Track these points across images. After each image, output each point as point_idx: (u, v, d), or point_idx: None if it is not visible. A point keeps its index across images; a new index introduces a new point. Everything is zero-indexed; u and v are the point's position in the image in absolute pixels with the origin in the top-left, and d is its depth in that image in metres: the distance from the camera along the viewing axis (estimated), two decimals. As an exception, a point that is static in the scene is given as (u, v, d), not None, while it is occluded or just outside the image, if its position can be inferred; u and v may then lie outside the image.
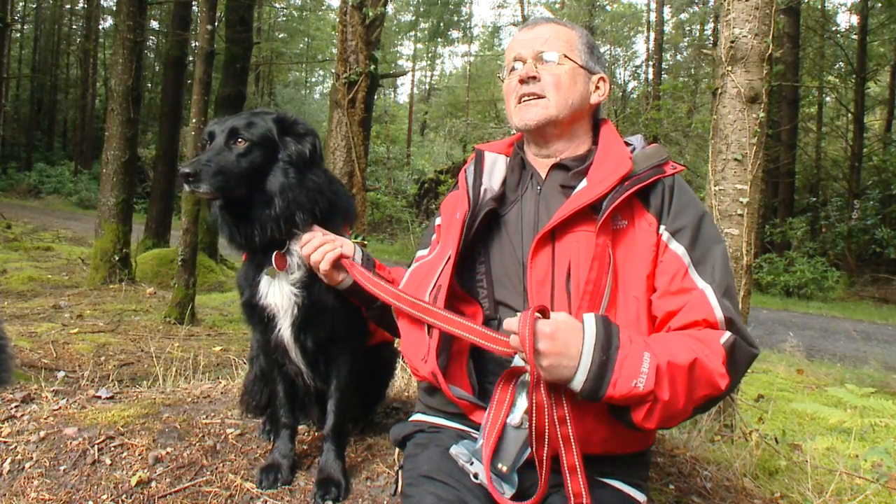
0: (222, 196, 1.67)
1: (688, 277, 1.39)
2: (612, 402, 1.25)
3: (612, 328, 1.27)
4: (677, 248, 1.42)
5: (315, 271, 1.70)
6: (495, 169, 1.65)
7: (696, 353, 1.28)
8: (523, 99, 1.56)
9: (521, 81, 1.56)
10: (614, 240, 1.43)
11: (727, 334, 1.33)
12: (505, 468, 1.35)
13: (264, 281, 1.76)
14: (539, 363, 1.23)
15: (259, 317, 1.80)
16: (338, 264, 1.67)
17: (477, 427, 1.43)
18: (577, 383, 1.23)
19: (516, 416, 1.35)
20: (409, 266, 1.78)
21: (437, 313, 1.44)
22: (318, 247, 1.66)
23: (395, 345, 2.17)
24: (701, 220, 1.46)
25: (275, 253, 1.72)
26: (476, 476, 1.35)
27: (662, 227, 1.44)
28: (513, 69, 1.61)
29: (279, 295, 1.75)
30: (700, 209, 1.48)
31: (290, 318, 1.76)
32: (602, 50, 1.72)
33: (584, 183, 1.49)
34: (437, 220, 1.74)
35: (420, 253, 1.74)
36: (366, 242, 4.05)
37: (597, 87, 1.61)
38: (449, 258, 1.52)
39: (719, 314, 1.35)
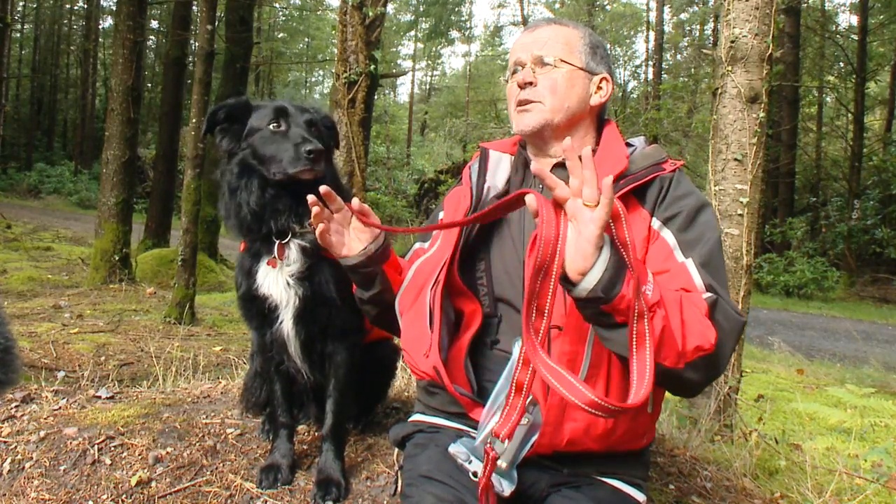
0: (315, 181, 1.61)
1: (672, 258, 1.39)
2: (618, 307, 1.16)
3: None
4: (667, 235, 1.42)
5: (320, 240, 1.56)
6: (500, 168, 1.66)
7: (682, 295, 1.29)
8: (521, 104, 1.58)
9: (519, 87, 1.58)
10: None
11: (708, 293, 1.33)
12: (504, 465, 1.35)
13: (262, 271, 1.74)
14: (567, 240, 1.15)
15: (258, 309, 1.78)
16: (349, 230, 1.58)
17: (476, 426, 1.42)
18: (598, 271, 1.14)
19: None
20: (406, 254, 1.77)
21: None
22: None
23: (395, 342, 2.15)
24: (698, 210, 1.45)
25: (277, 243, 1.71)
26: (475, 475, 1.35)
27: (654, 218, 1.44)
28: (514, 72, 1.62)
29: (279, 286, 1.73)
30: (700, 200, 1.47)
31: (292, 311, 1.74)
32: (604, 49, 1.71)
33: None
34: (441, 215, 1.74)
35: (419, 245, 1.74)
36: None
37: (598, 88, 1.60)
38: (449, 255, 1.53)
39: (698, 281, 1.35)
